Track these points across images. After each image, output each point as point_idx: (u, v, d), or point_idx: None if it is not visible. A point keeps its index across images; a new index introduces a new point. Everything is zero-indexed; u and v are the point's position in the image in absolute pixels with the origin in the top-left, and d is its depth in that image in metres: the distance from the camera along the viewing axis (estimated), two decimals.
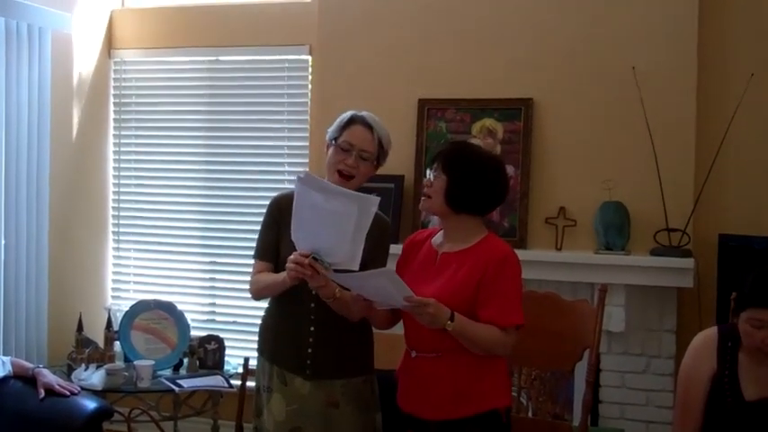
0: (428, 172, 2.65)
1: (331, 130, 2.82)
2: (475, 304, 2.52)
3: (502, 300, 2.52)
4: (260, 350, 2.94)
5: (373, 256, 2.63)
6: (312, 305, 2.77)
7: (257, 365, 2.95)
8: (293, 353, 2.80)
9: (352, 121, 2.79)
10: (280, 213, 2.81)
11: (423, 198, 2.64)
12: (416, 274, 2.62)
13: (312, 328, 2.79)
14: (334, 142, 2.78)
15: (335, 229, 2.47)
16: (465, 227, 2.62)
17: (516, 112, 4.11)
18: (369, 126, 2.78)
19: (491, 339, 2.50)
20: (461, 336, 2.48)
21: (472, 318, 2.50)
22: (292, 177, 4.65)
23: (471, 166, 2.58)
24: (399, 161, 4.20)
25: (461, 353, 2.53)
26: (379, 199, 2.47)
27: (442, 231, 2.70)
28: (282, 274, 2.64)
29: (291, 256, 2.54)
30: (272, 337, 2.88)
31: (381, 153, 2.81)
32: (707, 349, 2.65)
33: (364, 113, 2.82)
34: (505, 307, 2.52)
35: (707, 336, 2.69)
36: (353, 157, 2.73)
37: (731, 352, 2.61)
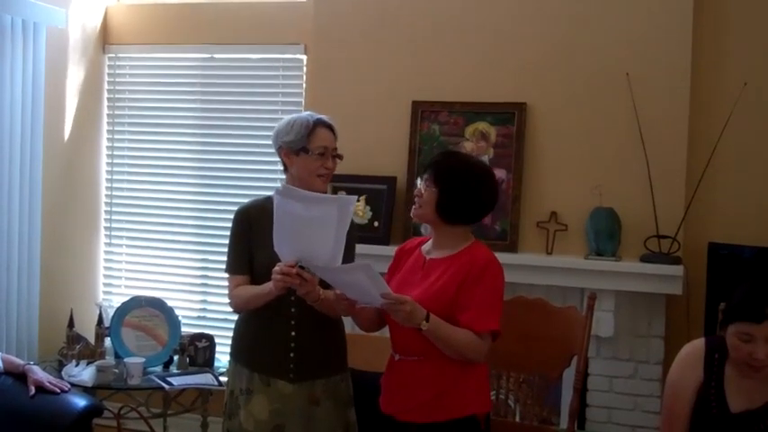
0: (419, 180, 2.69)
1: (292, 138, 2.83)
2: (454, 309, 2.55)
3: (479, 305, 2.54)
4: (236, 357, 2.97)
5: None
6: (293, 310, 2.84)
7: (230, 369, 2.99)
8: (276, 358, 2.85)
9: (315, 125, 2.84)
10: (249, 223, 2.89)
11: (413, 206, 2.68)
12: (403, 279, 2.67)
13: (293, 333, 2.85)
14: (305, 151, 2.82)
15: (318, 234, 2.52)
16: (453, 235, 2.66)
17: (510, 116, 4.12)
18: (330, 126, 2.88)
19: (465, 343, 2.52)
20: (435, 337, 2.50)
21: (452, 323, 2.53)
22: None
23: (461, 178, 2.62)
24: (392, 163, 4.25)
25: (444, 358, 2.56)
26: (356, 198, 2.54)
27: (431, 240, 2.73)
28: (267, 286, 2.69)
29: (277, 268, 2.60)
30: (252, 344, 2.91)
31: None
32: (694, 360, 2.66)
33: (320, 116, 2.90)
34: (482, 313, 2.54)
35: (694, 347, 2.70)
36: (330, 160, 2.84)
37: (718, 364, 2.62)
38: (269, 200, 2.86)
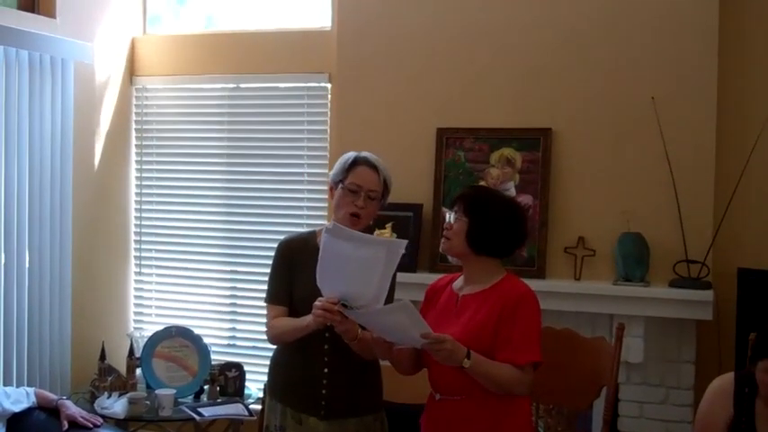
0: (448, 214, 2.68)
1: (334, 172, 2.87)
2: (494, 345, 2.53)
3: (518, 339, 2.53)
4: (271, 392, 2.98)
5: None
6: (326, 347, 2.82)
7: (267, 405, 3.00)
8: (308, 394, 2.84)
9: (356, 162, 2.83)
10: (291, 256, 2.89)
11: (443, 240, 2.67)
12: (437, 319, 2.64)
13: (326, 370, 2.83)
14: (341, 185, 2.82)
15: (363, 275, 2.52)
16: (484, 268, 2.65)
17: (535, 141, 4.11)
18: (373, 167, 2.83)
19: (508, 378, 2.51)
20: (478, 374, 2.49)
21: (492, 358, 2.52)
22: (311, 204, 4.72)
23: (492, 208, 2.64)
24: (418, 190, 4.25)
25: (486, 397, 2.54)
26: (406, 242, 2.53)
27: (462, 276, 2.73)
28: (305, 319, 2.69)
29: (318, 303, 2.59)
30: (285, 379, 2.92)
31: (385, 191, 2.88)
32: (723, 395, 2.65)
33: (366, 154, 2.87)
34: (522, 345, 2.53)
35: (723, 381, 2.69)
36: (362, 198, 2.79)
37: (748, 399, 2.60)
38: (312, 234, 2.89)
